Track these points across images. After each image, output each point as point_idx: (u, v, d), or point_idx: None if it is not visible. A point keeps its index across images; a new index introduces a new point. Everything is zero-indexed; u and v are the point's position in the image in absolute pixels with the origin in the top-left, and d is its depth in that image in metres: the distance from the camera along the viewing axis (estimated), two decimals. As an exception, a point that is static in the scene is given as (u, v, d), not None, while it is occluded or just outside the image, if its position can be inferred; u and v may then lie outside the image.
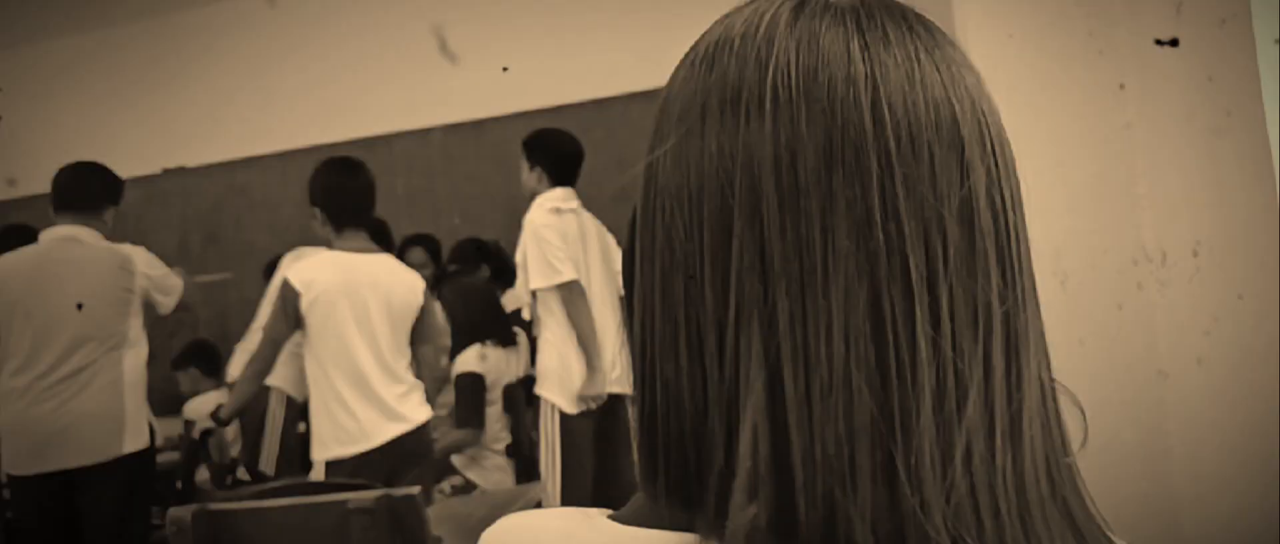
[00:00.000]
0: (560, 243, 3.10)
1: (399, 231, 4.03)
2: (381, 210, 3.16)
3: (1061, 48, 1.99)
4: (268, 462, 3.40)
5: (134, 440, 2.91)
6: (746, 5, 0.47)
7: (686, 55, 0.48)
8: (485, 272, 4.16)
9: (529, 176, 3.26)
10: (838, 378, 0.40)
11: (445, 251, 4.26)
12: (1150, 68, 1.95)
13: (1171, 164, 1.95)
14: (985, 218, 0.43)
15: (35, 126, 5.36)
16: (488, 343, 3.52)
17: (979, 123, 0.44)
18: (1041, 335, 0.46)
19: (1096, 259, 2.00)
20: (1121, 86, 1.97)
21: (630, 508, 0.48)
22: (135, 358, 2.98)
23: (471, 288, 3.72)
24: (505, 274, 4.17)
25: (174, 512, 1.94)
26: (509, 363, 3.59)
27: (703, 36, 0.48)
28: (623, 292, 0.52)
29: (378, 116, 4.67)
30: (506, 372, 3.56)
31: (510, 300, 4.08)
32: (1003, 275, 0.43)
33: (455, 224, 4.48)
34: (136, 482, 2.95)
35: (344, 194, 2.86)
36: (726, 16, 0.47)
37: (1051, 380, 0.46)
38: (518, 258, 3.19)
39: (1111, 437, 1.92)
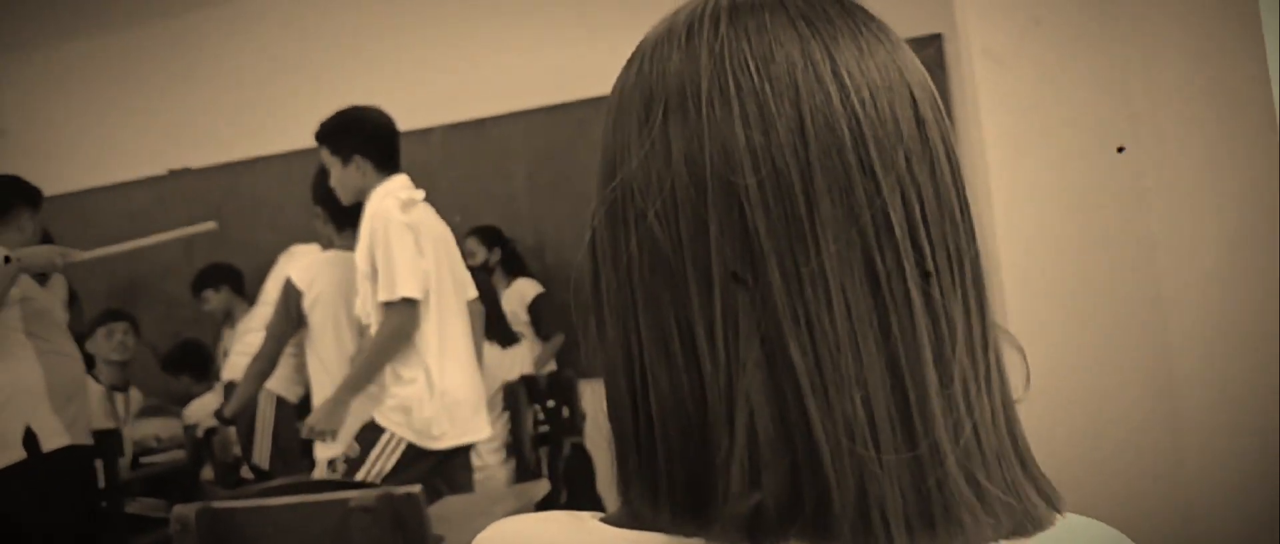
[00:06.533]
0: (415, 245, 2.57)
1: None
2: (384, 208, 3.15)
3: (1068, 35, 1.98)
4: (262, 461, 3.40)
5: (3, 456, 2.77)
6: (679, 9, 0.48)
7: (631, 58, 0.49)
8: (497, 255, 4.17)
9: (346, 172, 2.64)
10: (845, 339, 0.41)
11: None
12: (1156, 58, 1.93)
13: (1179, 155, 1.94)
14: (944, 167, 0.45)
15: (43, 130, 5.37)
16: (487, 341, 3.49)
17: (923, 83, 0.46)
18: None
19: (1102, 253, 1.99)
20: (1127, 77, 1.95)
21: (623, 511, 0.47)
22: (10, 371, 2.81)
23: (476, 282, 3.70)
24: (513, 265, 4.19)
25: (178, 510, 1.93)
26: (509, 362, 3.58)
27: (644, 39, 0.49)
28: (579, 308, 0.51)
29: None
30: (505, 371, 3.55)
31: (512, 296, 4.08)
32: (964, 222, 0.45)
33: (455, 222, 4.47)
34: (57, 482, 2.86)
35: (345, 193, 2.86)
36: (666, 18, 0.49)
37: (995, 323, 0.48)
38: (361, 263, 2.60)
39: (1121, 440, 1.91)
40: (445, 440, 2.58)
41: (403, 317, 2.51)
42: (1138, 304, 1.97)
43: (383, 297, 2.52)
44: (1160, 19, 1.92)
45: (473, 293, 2.87)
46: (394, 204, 2.58)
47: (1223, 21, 1.88)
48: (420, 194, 2.68)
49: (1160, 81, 1.94)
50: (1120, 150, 1.90)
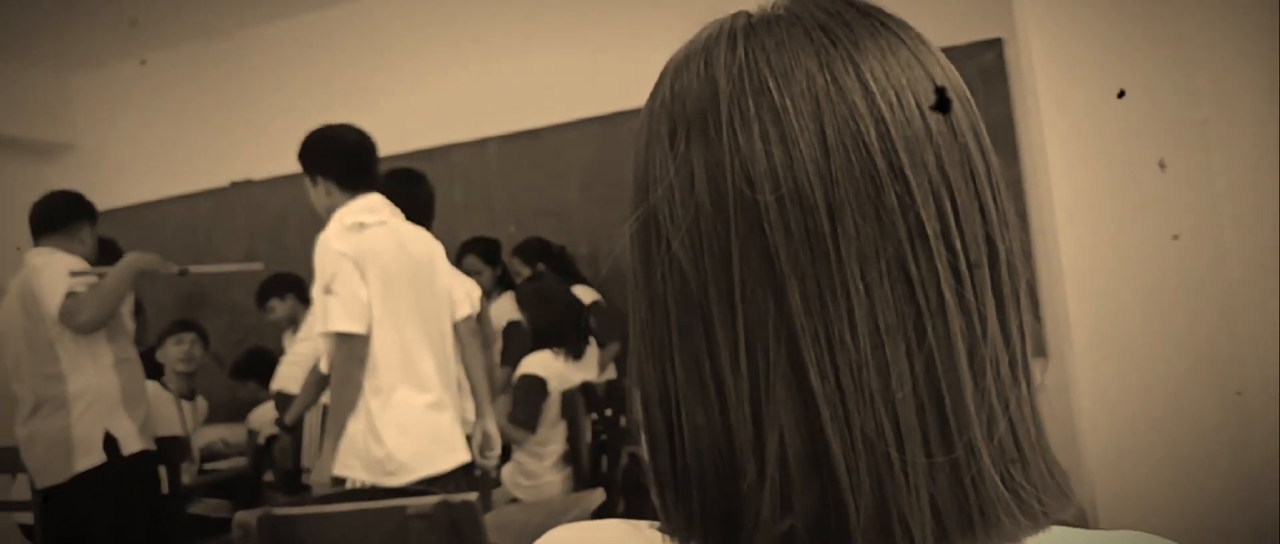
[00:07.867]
0: (354, 275, 2.42)
1: (457, 240, 4.07)
2: (440, 219, 3.20)
3: (1132, 38, 1.93)
4: (310, 466, 3.45)
5: (86, 459, 2.90)
6: (702, 31, 0.48)
7: (657, 84, 0.48)
8: (541, 270, 4.19)
9: (316, 193, 2.58)
10: (866, 352, 0.40)
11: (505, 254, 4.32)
12: (1225, 62, 1.88)
13: (1249, 161, 1.89)
14: (976, 160, 0.44)
15: (111, 144, 5.54)
16: (561, 352, 3.46)
17: (946, 75, 0.45)
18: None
19: (1169, 262, 1.94)
20: (1194, 82, 1.90)
21: None
22: (89, 376, 2.95)
23: (551, 292, 3.65)
24: (568, 273, 4.21)
25: (240, 516, 1.97)
26: (574, 372, 3.57)
27: (667, 63, 0.48)
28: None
29: (436, 128, 4.73)
30: (569, 380, 3.54)
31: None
32: (997, 213, 0.44)
33: (511, 231, 4.52)
34: (131, 485, 2.99)
35: (405, 204, 2.90)
36: (688, 42, 0.48)
37: None
38: (316, 292, 2.52)
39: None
40: (403, 475, 2.41)
41: (345, 349, 2.40)
42: (1207, 313, 1.91)
43: (317, 329, 2.45)
44: (1227, 22, 1.87)
45: (463, 312, 2.75)
46: (335, 230, 2.46)
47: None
48: (378, 217, 2.53)
49: (1228, 86, 1.89)
50: (1162, 165, 1.85)
